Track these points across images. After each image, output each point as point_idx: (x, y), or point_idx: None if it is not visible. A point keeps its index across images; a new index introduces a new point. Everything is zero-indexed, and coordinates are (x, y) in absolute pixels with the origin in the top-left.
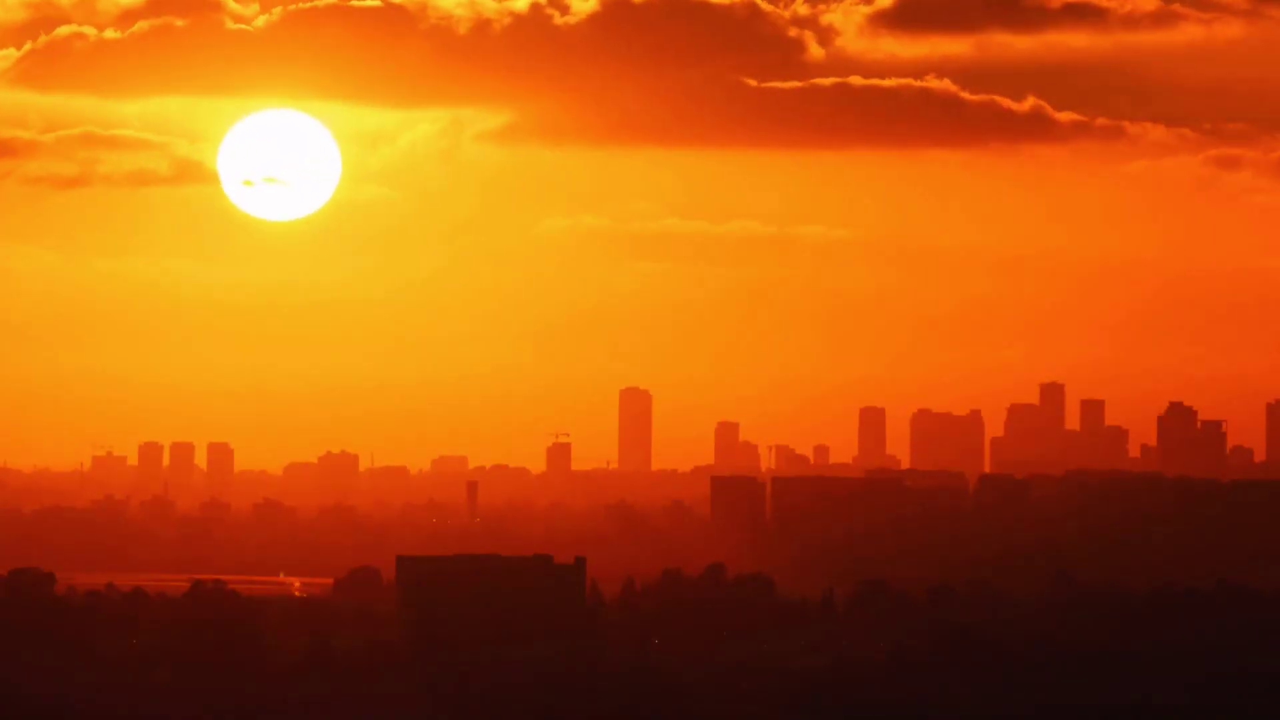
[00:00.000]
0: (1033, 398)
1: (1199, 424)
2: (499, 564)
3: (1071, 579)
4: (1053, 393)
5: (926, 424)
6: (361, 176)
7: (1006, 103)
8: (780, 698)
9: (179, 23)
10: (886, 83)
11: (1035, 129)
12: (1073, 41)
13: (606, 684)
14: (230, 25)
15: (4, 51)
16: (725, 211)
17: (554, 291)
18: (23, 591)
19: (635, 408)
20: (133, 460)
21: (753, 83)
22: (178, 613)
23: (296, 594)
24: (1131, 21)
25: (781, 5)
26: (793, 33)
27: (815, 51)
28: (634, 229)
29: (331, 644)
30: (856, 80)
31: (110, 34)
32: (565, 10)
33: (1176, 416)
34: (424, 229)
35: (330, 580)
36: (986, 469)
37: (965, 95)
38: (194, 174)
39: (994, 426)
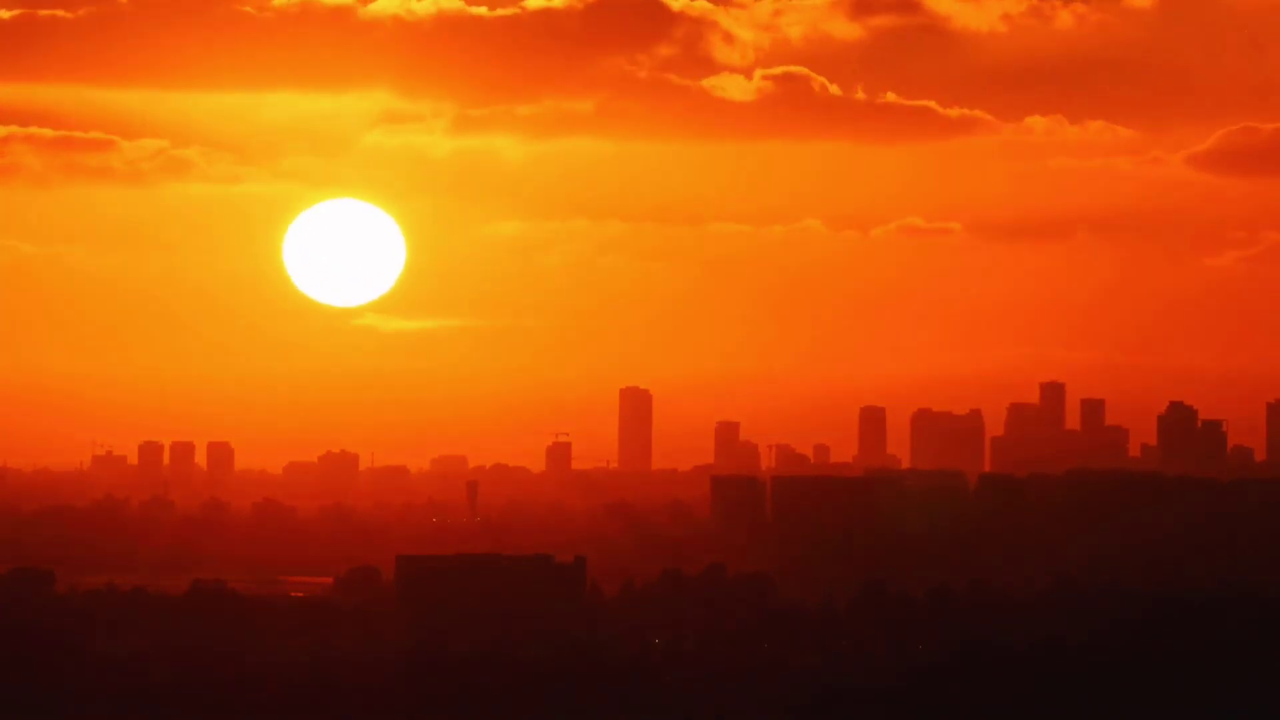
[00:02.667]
0: (1033, 397)
1: (1199, 424)
2: (499, 564)
3: (1071, 579)
4: (1053, 392)
5: (926, 423)
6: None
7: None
8: (780, 698)
9: (42, 13)
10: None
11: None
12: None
13: (606, 683)
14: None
15: None
16: (706, 209)
17: (553, 290)
18: (23, 591)
19: (635, 407)
20: (133, 460)
21: (709, 83)
22: (178, 612)
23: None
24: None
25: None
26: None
27: (751, 47)
28: (620, 226)
29: (331, 644)
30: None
31: None
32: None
33: (1176, 416)
34: (404, 224)
35: (330, 580)
36: (986, 468)
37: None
38: (177, 171)
39: (994, 426)
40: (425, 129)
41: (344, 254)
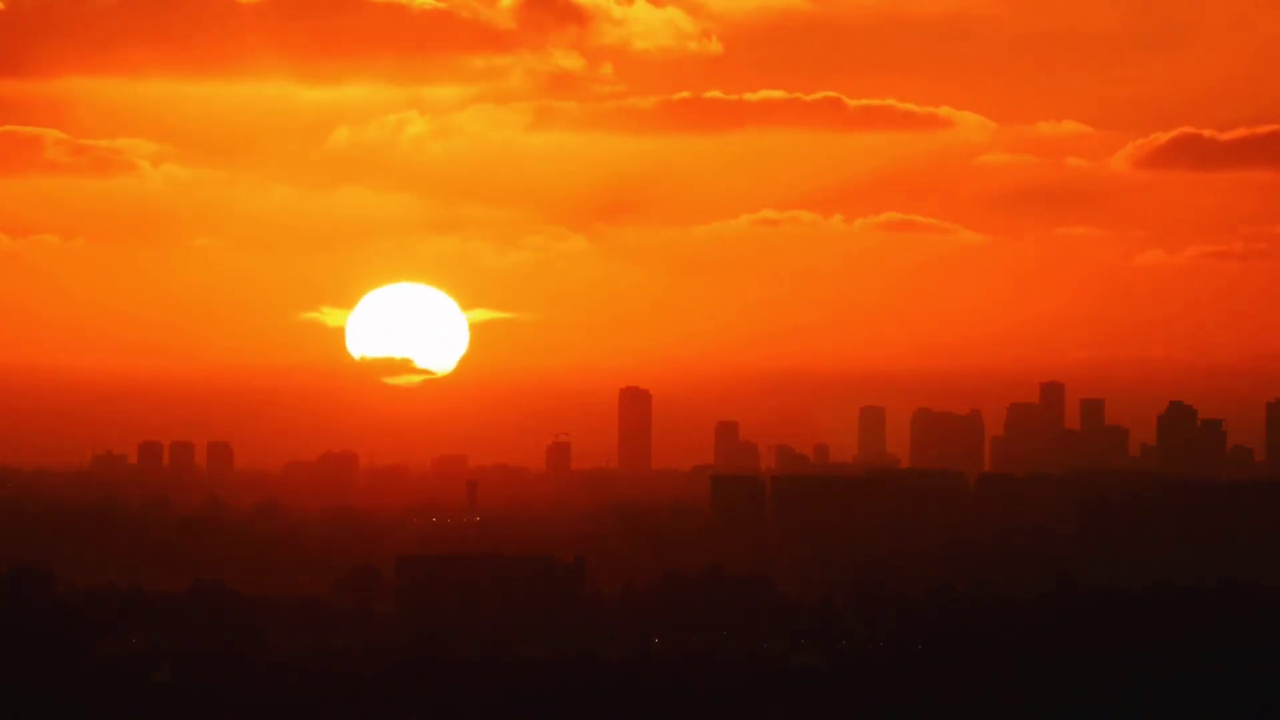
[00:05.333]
0: (1033, 397)
1: (1199, 423)
2: (499, 564)
3: (1071, 579)
4: (1053, 392)
5: (927, 423)
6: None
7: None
8: (780, 697)
9: None
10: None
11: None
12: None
13: (606, 684)
14: None
15: None
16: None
17: (553, 288)
18: (23, 591)
19: (635, 407)
20: (132, 460)
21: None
22: (178, 612)
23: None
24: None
25: None
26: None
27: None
28: (612, 221)
29: (331, 644)
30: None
31: None
32: None
33: (1176, 416)
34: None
35: (330, 580)
36: (987, 468)
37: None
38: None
39: (994, 426)
40: (390, 123)
41: (409, 340)
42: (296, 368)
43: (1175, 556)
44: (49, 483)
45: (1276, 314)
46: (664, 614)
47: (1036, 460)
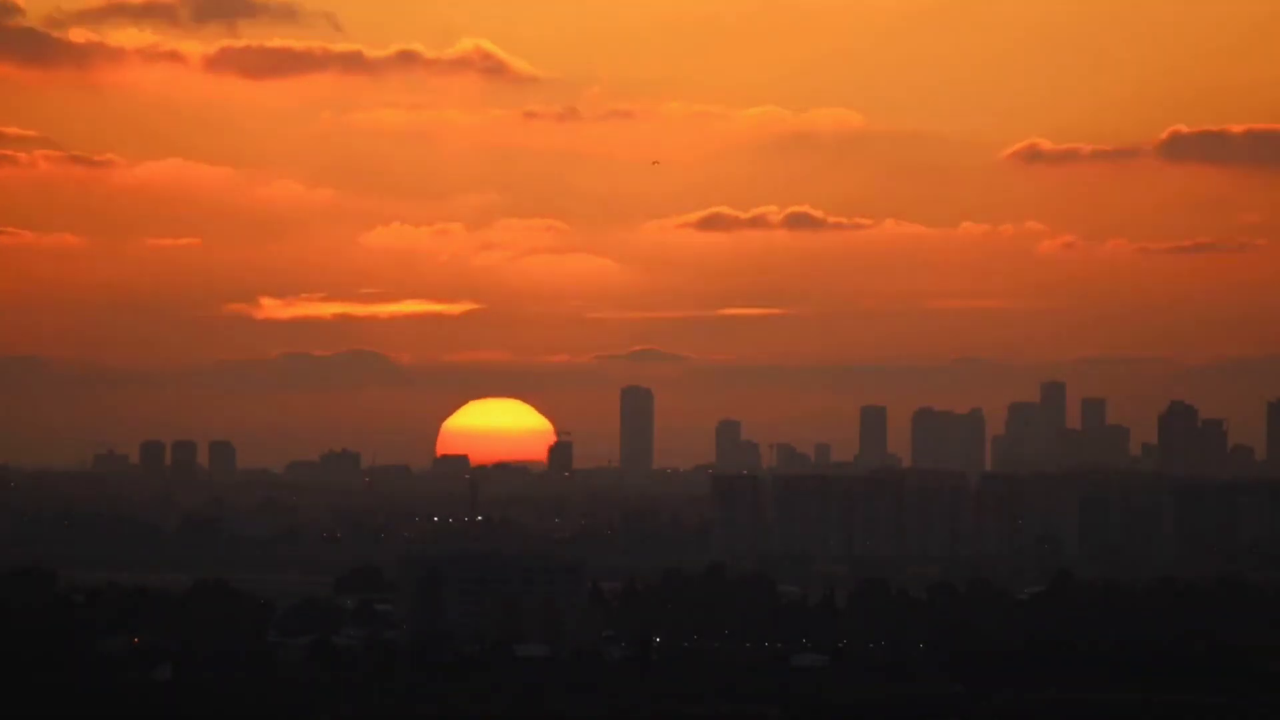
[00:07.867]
0: (1033, 396)
1: (1199, 423)
2: (499, 563)
3: (1071, 578)
4: (1053, 391)
5: (927, 423)
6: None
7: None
8: (780, 696)
9: None
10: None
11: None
12: None
13: (607, 683)
14: None
15: None
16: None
17: (551, 284)
18: (23, 591)
19: (635, 407)
20: (134, 459)
21: None
22: (180, 611)
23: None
24: None
25: None
26: None
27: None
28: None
29: (332, 643)
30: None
31: None
32: None
33: (1177, 415)
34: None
35: (330, 580)
36: (987, 467)
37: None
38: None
39: (995, 425)
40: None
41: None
42: (300, 366)
43: (1175, 556)
44: (49, 482)
45: (1277, 312)
46: (664, 614)
47: (1037, 460)
